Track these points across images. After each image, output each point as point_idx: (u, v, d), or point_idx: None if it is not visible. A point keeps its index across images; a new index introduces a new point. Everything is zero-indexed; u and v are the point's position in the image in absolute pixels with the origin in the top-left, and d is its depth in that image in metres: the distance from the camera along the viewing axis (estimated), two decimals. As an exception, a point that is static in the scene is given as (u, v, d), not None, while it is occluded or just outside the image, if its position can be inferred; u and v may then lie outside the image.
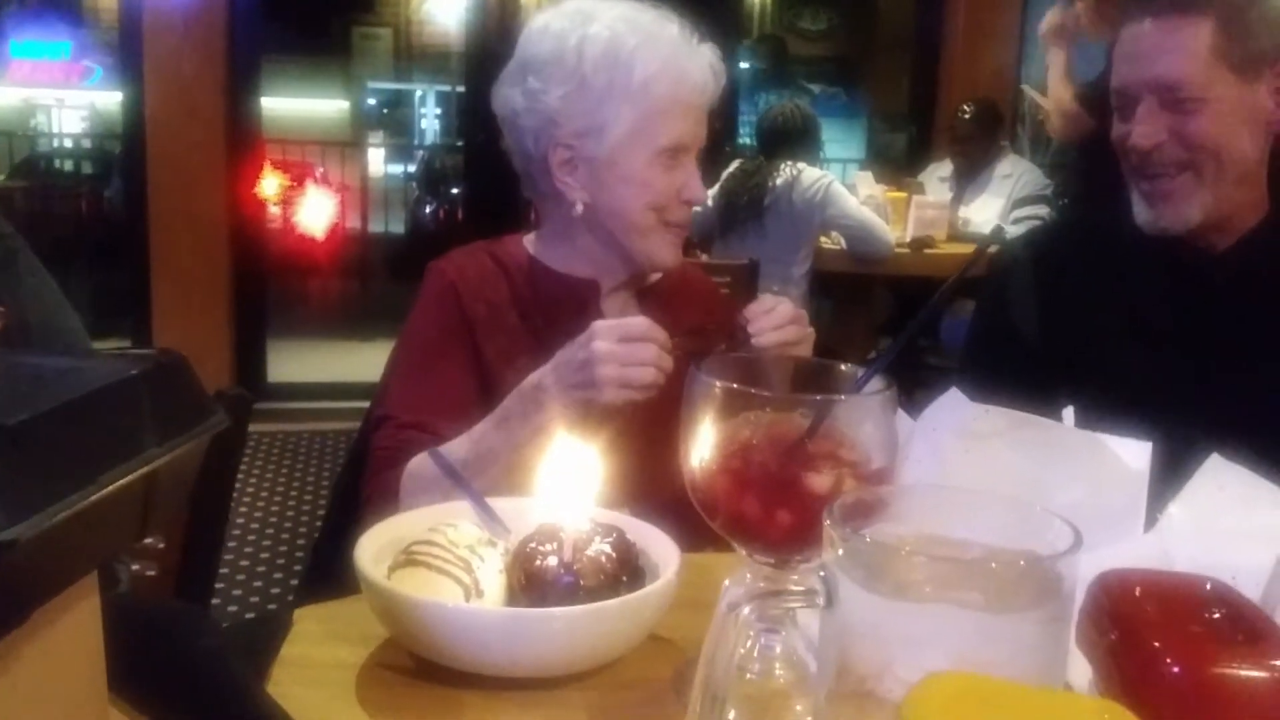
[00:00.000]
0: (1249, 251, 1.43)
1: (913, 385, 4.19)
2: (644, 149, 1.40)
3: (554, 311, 1.44)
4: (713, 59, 1.44)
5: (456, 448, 1.24)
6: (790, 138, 3.92)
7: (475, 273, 1.45)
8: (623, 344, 1.17)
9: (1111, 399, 1.42)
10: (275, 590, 3.27)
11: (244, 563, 3.43)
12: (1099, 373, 1.47)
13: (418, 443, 1.31)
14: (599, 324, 1.21)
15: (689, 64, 1.40)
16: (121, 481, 0.62)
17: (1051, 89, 3.89)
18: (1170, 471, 0.91)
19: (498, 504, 1.01)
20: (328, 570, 1.38)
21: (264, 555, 3.51)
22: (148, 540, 0.70)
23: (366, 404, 1.54)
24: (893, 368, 0.82)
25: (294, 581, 3.28)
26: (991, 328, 1.64)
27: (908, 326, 0.85)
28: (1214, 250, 1.45)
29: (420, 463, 1.27)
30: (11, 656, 0.55)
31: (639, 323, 1.20)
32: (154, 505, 0.69)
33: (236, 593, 3.23)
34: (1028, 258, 1.62)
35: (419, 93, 12.06)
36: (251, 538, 3.63)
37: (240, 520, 3.72)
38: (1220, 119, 1.38)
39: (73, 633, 0.63)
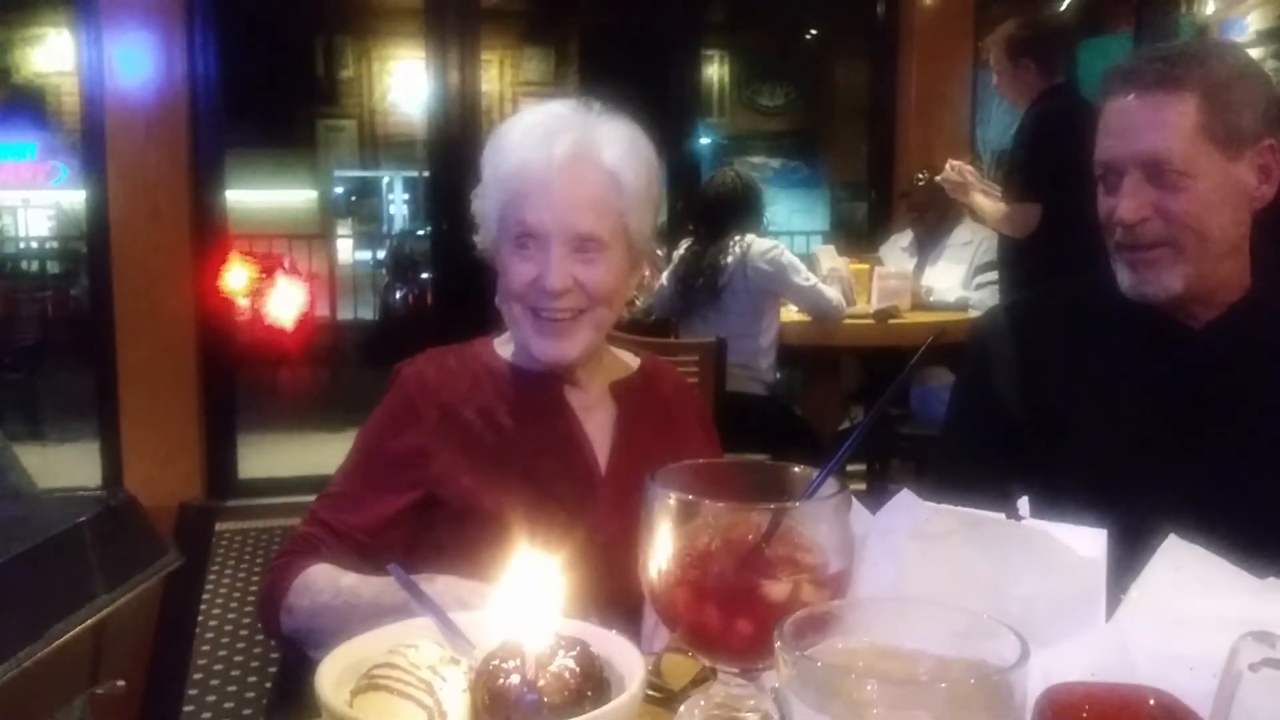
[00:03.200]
0: (1227, 327, 1.43)
1: (887, 455, 4.19)
2: (506, 237, 1.40)
3: (519, 408, 1.44)
4: (586, 137, 1.37)
5: (356, 583, 1.26)
6: (733, 206, 3.92)
7: (435, 376, 1.45)
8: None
9: (1083, 470, 1.44)
10: (250, 694, 3.21)
11: (217, 666, 3.36)
12: (1072, 443, 1.47)
13: (322, 542, 1.35)
14: (446, 583, 1.15)
15: (544, 147, 1.35)
16: (69, 634, 0.61)
17: (986, 215, 4.00)
18: (1134, 549, 0.92)
19: (459, 619, 1.00)
20: (300, 675, 1.36)
21: (237, 658, 3.44)
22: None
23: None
24: (865, 440, 0.83)
25: (268, 684, 3.21)
26: (972, 400, 1.63)
27: (858, 427, 0.86)
28: (1195, 324, 1.45)
29: (316, 573, 1.30)
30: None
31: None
32: (105, 651, 0.68)
33: (211, 698, 3.16)
34: (1008, 327, 1.61)
35: (386, 179, 12.18)
36: (225, 639, 3.56)
37: (213, 623, 3.65)
38: (1203, 196, 1.38)
39: (23, 786, 0.62)
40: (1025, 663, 0.55)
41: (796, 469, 0.86)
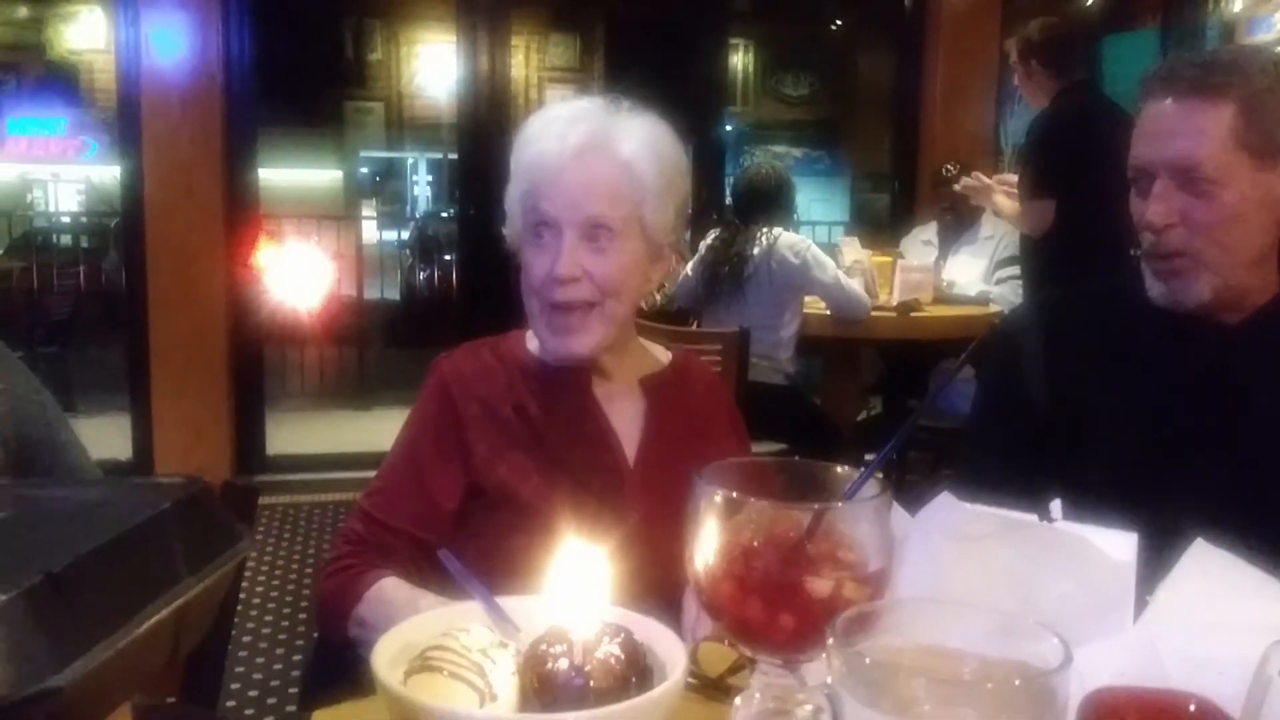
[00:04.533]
0: (1256, 329, 1.44)
1: (905, 447, 4.18)
2: (526, 227, 1.43)
3: (549, 402, 1.46)
4: (603, 128, 1.39)
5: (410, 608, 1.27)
6: (765, 198, 3.95)
7: (472, 370, 1.48)
8: None
9: (1110, 468, 1.45)
10: (278, 666, 3.26)
11: (246, 639, 3.42)
12: (1101, 441, 1.48)
13: (377, 540, 1.39)
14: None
15: (560, 138, 1.38)
16: (158, 617, 0.65)
17: (1006, 214, 4.02)
18: (1163, 546, 0.94)
19: (507, 604, 1.03)
20: (335, 651, 1.41)
21: (266, 631, 3.51)
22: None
23: (367, 474, 1.58)
24: (887, 436, 0.86)
25: (298, 657, 3.27)
26: (999, 396, 1.63)
27: (903, 426, 0.89)
28: (1223, 326, 1.45)
29: (391, 590, 1.33)
30: (51, 790, 0.57)
31: None
32: (184, 633, 0.72)
33: (239, 669, 3.22)
34: (1037, 323, 1.61)
35: (410, 161, 12.23)
36: (254, 613, 3.63)
37: (242, 595, 3.71)
38: (1231, 206, 1.38)
39: (108, 760, 0.66)
40: (1069, 665, 0.58)
41: (838, 469, 0.89)
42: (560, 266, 1.38)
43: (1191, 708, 0.58)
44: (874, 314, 4.05)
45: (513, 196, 1.45)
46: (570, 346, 1.42)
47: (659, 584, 1.26)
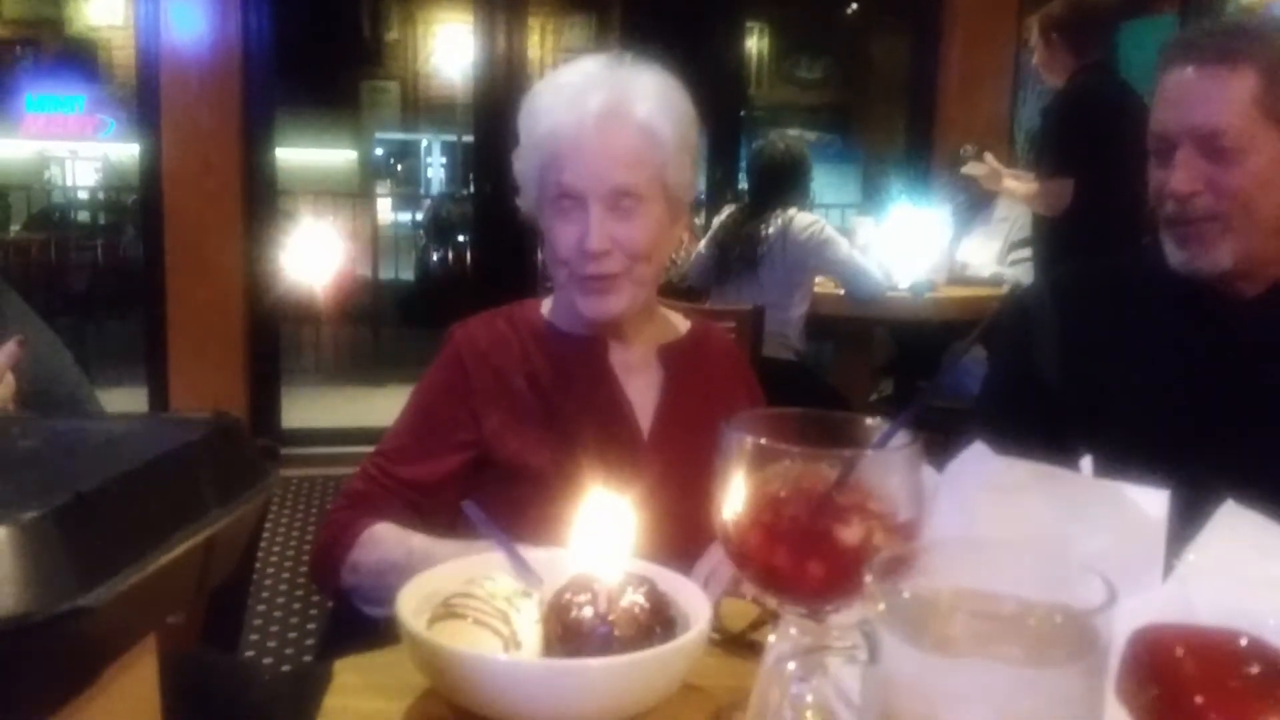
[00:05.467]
0: (1275, 300, 1.43)
1: (914, 427, 4.21)
2: (546, 198, 1.41)
3: (563, 372, 1.45)
4: (617, 93, 1.37)
5: (428, 545, 1.28)
6: (782, 177, 3.93)
7: (486, 340, 1.47)
8: None
9: (1129, 443, 1.44)
10: (293, 634, 3.28)
11: (260, 606, 3.45)
12: (1118, 416, 1.47)
13: (377, 498, 1.39)
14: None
15: (577, 107, 1.36)
16: (187, 544, 0.65)
17: (1019, 196, 4.01)
18: (1187, 516, 0.93)
19: (530, 555, 1.03)
20: (349, 615, 1.41)
21: (280, 600, 3.53)
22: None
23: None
24: (898, 415, 0.85)
25: (311, 625, 3.29)
26: (1012, 370, 1.63)
27: (930, 382, 0.88)
28: (1242, 297, 1.44)
29: (383, 531, 1.34)
30: (78, 715, 0.57)
31: None
32: (212, 565, 0.71)
33: (254, 637, 3.24)
34: (1051, 299, 1.60)
35: (425, 142, 12.23)
36: (268, 582, 3.65)
37: (257, 564, 3.73)
38: (1256, 172, 1.37)
39: (134, 689, 0.66)
40: (1113, 605, 0.57)
41: (869, 421, 0.88)
42: (590, 241, 1.37)
43: (1243, 642, 0.57)
44: (886, 294, 4.04)
45: (528, 168, 1.43)
46: (604, 307, 1.42)
47: (672, 553, 1.25)
